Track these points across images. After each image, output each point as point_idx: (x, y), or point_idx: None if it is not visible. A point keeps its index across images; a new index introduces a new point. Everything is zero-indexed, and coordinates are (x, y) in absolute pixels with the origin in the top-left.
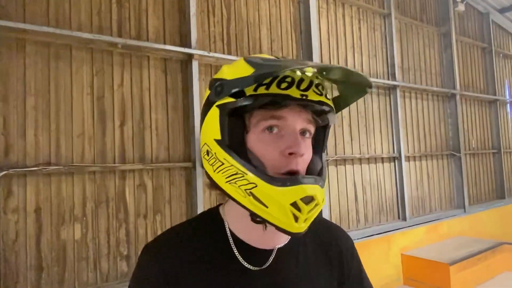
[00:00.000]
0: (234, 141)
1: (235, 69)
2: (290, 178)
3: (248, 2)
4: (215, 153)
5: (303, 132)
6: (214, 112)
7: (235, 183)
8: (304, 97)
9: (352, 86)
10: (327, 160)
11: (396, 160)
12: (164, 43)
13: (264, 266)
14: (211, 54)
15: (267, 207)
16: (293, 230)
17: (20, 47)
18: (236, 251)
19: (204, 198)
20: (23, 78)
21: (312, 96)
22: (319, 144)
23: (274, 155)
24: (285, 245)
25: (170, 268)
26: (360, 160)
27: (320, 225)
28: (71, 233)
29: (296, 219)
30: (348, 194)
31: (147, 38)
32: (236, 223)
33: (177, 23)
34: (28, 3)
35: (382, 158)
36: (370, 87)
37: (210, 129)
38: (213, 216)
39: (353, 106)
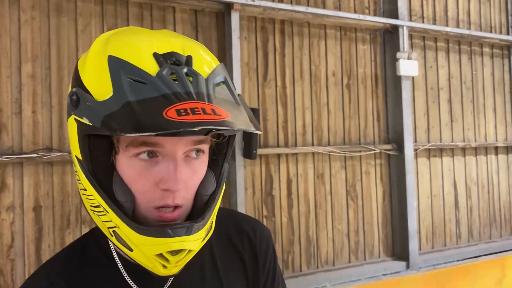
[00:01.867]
0: (98, 165)
1: (95, 74)
2: (154, 229)
3: None
4: (77, 172)
5: (196, 151)
6: (73, 125)
7: (99, 217)
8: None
9: None
10: (416, 151)
11: None
12: None
13: None
14: (257, 2)
15: (131, 250)
16: (162, 275)
17: None
18: (127, 277)
19: (246, 197)
20: (17, 39)
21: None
22: (219, 154)
23: (146, 187)
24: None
25: None
26: (463, 150)
27: (230, 223)
28: None
29: (164, 266)
30: (445, 198)
31: None
32: None
33: None
34: None
35: (496, 148)
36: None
37: (72, 140)
38: (96, 238)
39: (454, 73)
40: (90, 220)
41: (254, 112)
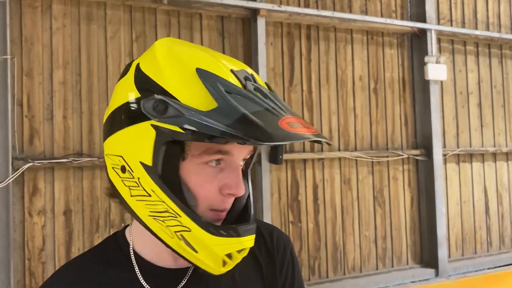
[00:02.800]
0: (168, 171)
1: (185, 85)
2: (231, 228)
3: None
4: (138, 178)
5: (243, 160)
6: (147, 131)
7: (163, 221)
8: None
9: None
10: (445, 156)
11: None
12: None
13: None
14: (283, 7)
15: (197, 252)
16: (217, 274)
17: (45, 7)
18: (140, 276)
19: (272, 203)
20: (49, 46)
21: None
22: (247, 162)
23: (211, 192)
24: None
25: None
26: (494, 155)
27: None
28: None
29: (224, 264)
30: (475, 205)
31: None
32: (142, 242)
33: None
34: None
35: None
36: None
37: (135, 146)
38: (118, 240)
39: (484, 76)
40: (119, 224)
41: None
